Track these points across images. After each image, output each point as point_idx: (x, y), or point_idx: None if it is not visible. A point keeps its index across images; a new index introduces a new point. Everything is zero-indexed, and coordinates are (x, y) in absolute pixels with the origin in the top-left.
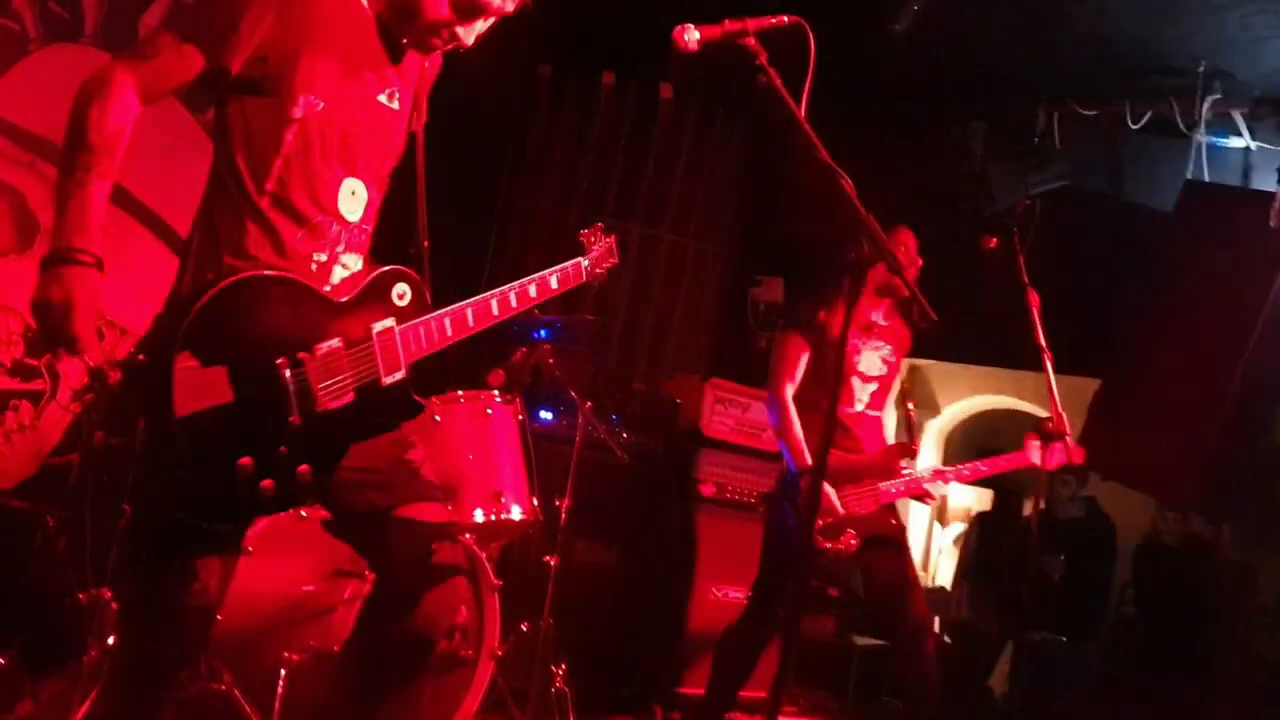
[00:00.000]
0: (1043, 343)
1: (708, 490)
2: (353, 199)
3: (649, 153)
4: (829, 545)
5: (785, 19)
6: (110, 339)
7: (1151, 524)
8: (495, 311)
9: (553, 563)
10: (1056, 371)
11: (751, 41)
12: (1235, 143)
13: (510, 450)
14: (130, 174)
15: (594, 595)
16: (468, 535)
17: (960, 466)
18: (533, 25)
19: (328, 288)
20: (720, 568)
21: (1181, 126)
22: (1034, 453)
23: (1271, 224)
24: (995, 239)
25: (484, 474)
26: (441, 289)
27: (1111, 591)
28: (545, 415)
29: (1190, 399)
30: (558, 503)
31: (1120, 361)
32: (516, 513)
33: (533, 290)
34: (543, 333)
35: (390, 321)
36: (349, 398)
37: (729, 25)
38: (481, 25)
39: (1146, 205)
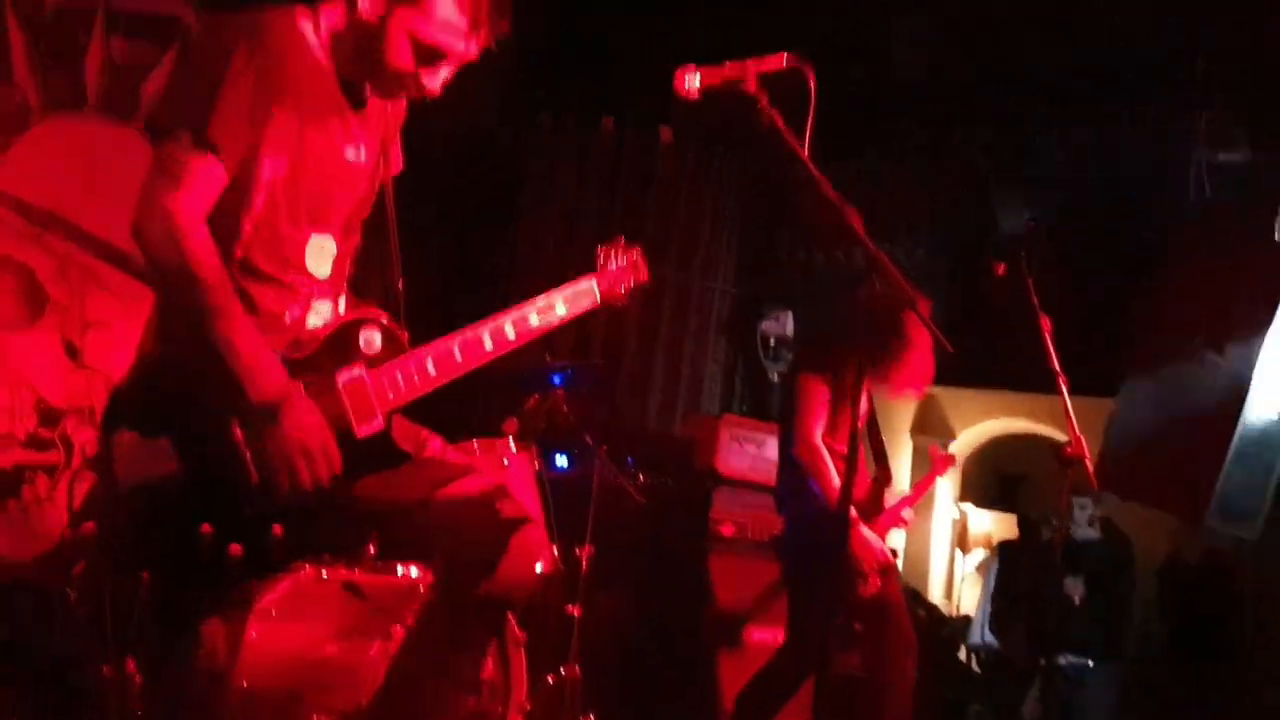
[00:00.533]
0: (1056, 367)
1: (727, 530)
2: (321, 254)
3: (650, 194)
4: (865, 591)
5: (784, 61)
6: None
7: (1172, 542)
8: (489, 346)
9: (576, 613)
10: (1071, 393)
11: (753, 85)
12: (1237, 153)
13: (528, 499)
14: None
15: (618, 642)
16: None
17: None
18: (532, 72)
19: (292, 341)
20: (743, 608)
21: (1183, 138)
22: (942, 465)
23: (1277, 237)
24: (1004, 265)
25: None
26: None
27: (1133, 612)
28: (560, 461)
29: (1204, 414)
30: (577, 551)
31: (1133, 379)
32: (537, 565)
33: (534, 318)
34: (555, 379)
35: (358, 370)
36: None
37: (729, 69)
38: (446, 72)
39: (1152, 218)
